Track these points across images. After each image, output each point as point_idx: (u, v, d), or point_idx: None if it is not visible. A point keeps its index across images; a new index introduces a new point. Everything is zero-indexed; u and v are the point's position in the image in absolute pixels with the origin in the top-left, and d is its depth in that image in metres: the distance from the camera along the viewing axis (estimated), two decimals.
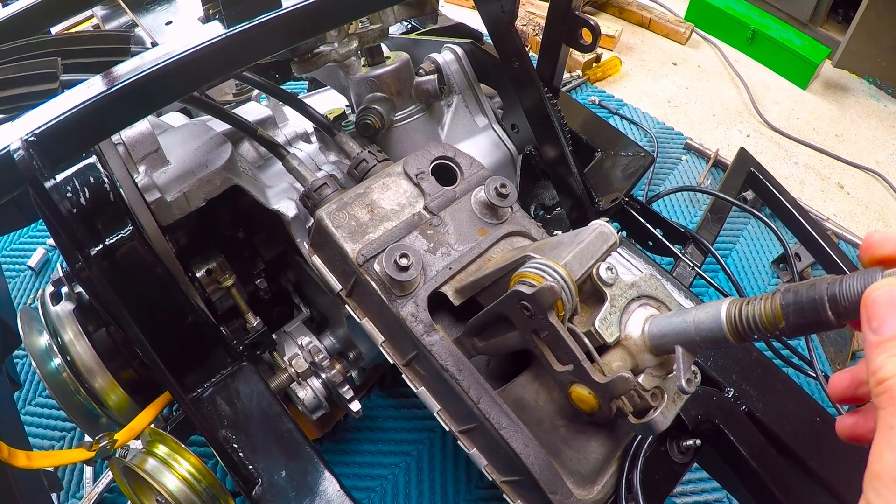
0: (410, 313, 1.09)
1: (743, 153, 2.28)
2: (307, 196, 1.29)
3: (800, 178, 3.27)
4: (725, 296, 1.91)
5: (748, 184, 2.26)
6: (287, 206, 1.41)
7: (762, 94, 3.72)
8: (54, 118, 0.98)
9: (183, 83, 1.10)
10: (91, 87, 1.02)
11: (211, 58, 1.08)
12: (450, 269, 1.15)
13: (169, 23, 1.49)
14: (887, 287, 0.56)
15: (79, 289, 1.40)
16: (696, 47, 4.05)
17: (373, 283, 1.11)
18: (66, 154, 1.06)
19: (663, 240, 1.88)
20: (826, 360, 2.36)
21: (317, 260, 1.21)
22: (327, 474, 1.20)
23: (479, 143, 1.69)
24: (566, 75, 3.43)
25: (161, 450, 1.26)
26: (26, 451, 1.21)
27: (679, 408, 0.96)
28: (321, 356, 1.51)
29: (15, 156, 0.95)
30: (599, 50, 3.61)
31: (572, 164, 1.58)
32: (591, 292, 1.00)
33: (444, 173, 1.27)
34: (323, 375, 1.52)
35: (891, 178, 3.34)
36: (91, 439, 1.28)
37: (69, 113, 0.99)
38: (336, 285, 1.19)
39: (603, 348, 0.96)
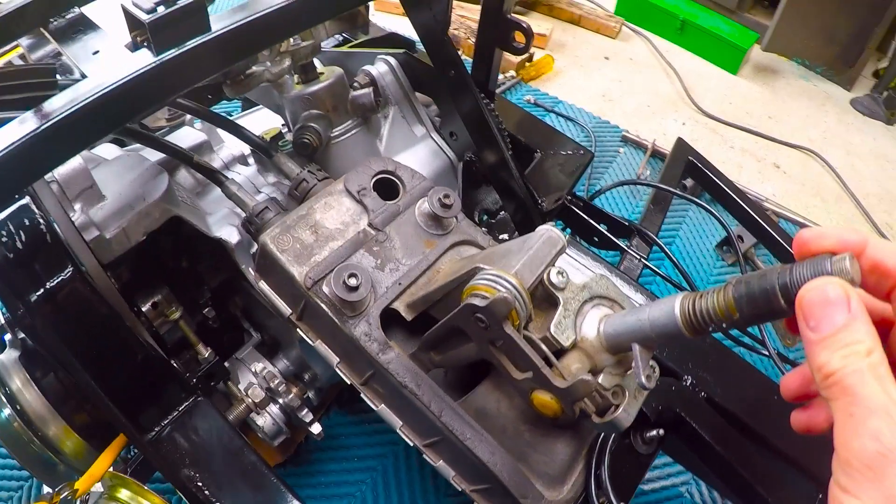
0: (364, 333, 1.08)
1: (680, 143, 2.31)
2: (249, 221, 1.27)
3: (737, 161, 3.34)
4: (673, 284, 1.95)
5: (687, 172, 2.28)
6: (229, 233, 1.39)
7: (694, 82, 3.78)
8: None
9: (117, 115, 1.07)
10: (21, 127, 0.97)
11: (143, 87, 1.05)
12: (399, 284, 1.13)
13: (96, 52, 1.45)
14: (819, 287, 0.58)
15: (23, 335, 1.35)
16: (626, 41, 4.10)
17: (323, 305, 1.09)
18: None
19: (608, 235, 1.89)
20: (776, 335, 2.40)
21: (264, 286, 1.19)
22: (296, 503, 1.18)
23: (419, 152, 1.69)
24: (499, 77, 3.44)
25: (124, 494, 1.23)
26: None
27: (641, 403, 0.97)
28: (277, 381, 1.49)
29: None
30: (532, 49, 3.62)
31: (513, 168, 1.58)
32: (544, 297, 0.99)
33: (386, 187, 1.26)
34: (280, 401, 1.49)
35: (825, 154, 3.45)
36: (50, 490, 1.24)
37: None
38: (286, 310, 1.17)
39: (560, 352, 0.96)
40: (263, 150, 1.46)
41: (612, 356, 0.95)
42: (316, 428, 1.50)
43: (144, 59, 1.06)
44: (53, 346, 1.17)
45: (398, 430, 1.15)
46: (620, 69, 3.85)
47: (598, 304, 0.99)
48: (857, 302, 0.57)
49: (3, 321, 1.37)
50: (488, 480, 1.08)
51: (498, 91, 3.25)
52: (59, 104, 1.00)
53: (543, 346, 0.94)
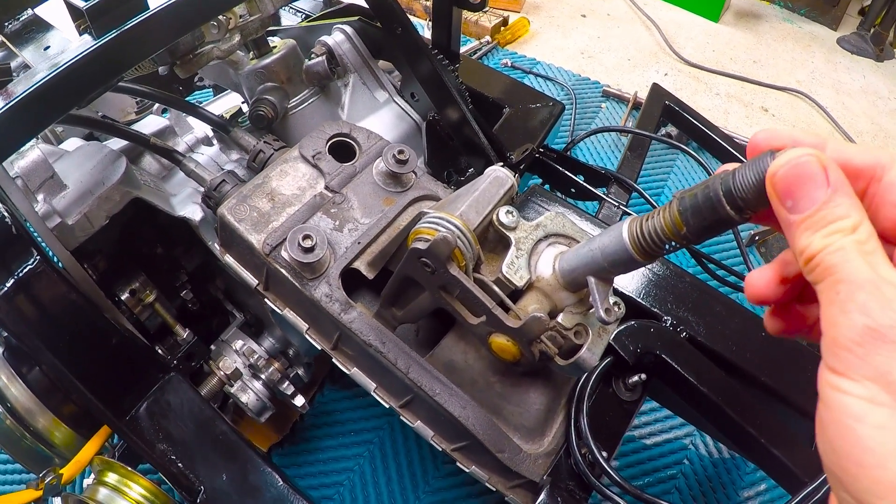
0: (325, 294, 1.07)
1: (656, 88, 2.28)
2: (208, 196, 1.27)
3: (723, 108, 3.30)
4: None
5: (665, 117, 2.26)
6: (192, 211, 1.38)
7: (675, 32, 3.74)
8: None
9: (62, 100, 1.08)
10: None
11: (85, 70, 1.06)
12: (358, 243, 1.12)
13: (47, 48, 1.45)
14: (791, 160, 0.53)
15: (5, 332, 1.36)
16: None
17: (283, 270, 1.08)
18: None
19: (584, 184, 1.87)
20: None
21: (229, 259, 1.19)
22: (268, 470, 1.18)
23: (383, 117, 1.68)
24: (475, 42, 3.41)
25: (111, 478, 1.24)
26: None
27: (606, 342, 0.95)
28: (256, 356, 1.48)
29: None
30: (506, 13, 3.60)
31: (474, 124, 1.56)
32: (497, 239, 0.98)
33: (343, 150, 1.25)
34: (262, 376, 1.49)
35: (814, 95, 3.41)
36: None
37: None
38: (252, 280, 1.17)
39: (517, 294, 0.94)
40: (220, 127, 1.46)
41: (571, 294, 0.93)
42: (299, 401, 1.49)
43: (85, 43, 1.07)
44: (26, 336, 1.17)
45: (372, 393, 1.14)
46: (598, 26, 3.80)
47: (553, 242, 0.97)
48: (836, 172, 0.51)
49: None
50: (465, 437, 1.08)
51: (474, 56, 3.23)
52: (5, 95, 1.02)
53: (497, 289, 0.93)
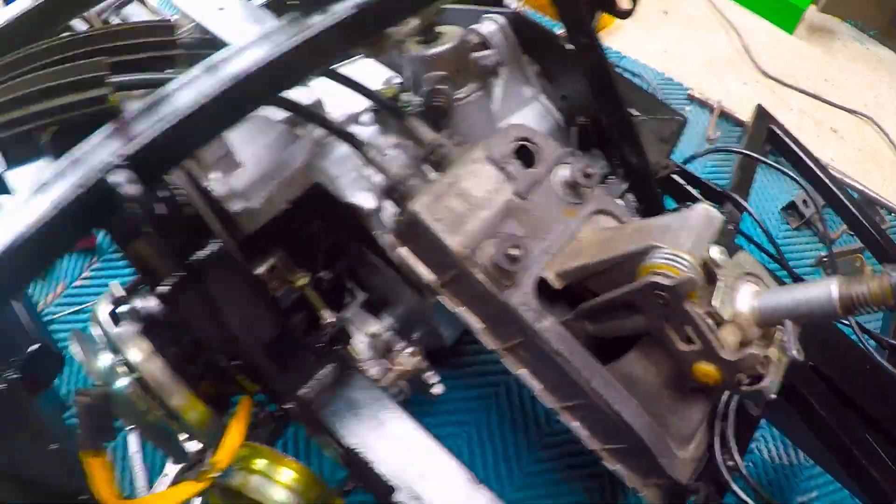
0: (521, 302, 1.11)
1: (760, 110, 2.27)
2: (393, 188, 1.29)
3: (796, 124, 3.30)
4: (761, 250, 1.97)
5: (767, 140, 2.27)
6: (364, 199, 1.37)
7: (751, 39, 3.72)
8: (145, 133, 0.88)
9: (284, 79, 1.03)
10: (186, 93, 0.93)
11: (309, 51, 0.99)
12: (547, 253, 1.17)
13: (221, 9, 1.37)
14: None
15: (142, 305, 1.27)
16: None
17: (480, 274, 1.12)
18: (158, 169, 0.96)
19: (702, 199, 1.90)
20: None
21: (403, 251, 1.21)
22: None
23: (526, 114, 1.67)
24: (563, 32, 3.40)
25: (260, 464, 1.25)
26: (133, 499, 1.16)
27: (782, 373, 1.03)
28: (400, 345, 1.52)
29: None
30: None
31: (637, 134, 1.58)
32: None
33: (522, 154, 1.26)
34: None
35: (879, 120, 3.41)
36: (173, 462, 1.26)
37: (163, 124, 0.89)
38: (428, 276, 1.20)
39: (717, 325, 1.01)
40: (394, 113, 1.44)
41: (759, 329, 1.02)
42: (438, 388, 1.54)
43: (311, 20, 1.01)
44: (207, 314, 1.20)
45: (537, 394, 1.20)
46: (680, 26, 3.79)
47: (747, 280, 1.04)
48: None
49: (123, 293, 1.32)
50: (627, 441, 1.14)
51: None
52: (226, 71, 0.95)
53: (709, 320, 0.99)
